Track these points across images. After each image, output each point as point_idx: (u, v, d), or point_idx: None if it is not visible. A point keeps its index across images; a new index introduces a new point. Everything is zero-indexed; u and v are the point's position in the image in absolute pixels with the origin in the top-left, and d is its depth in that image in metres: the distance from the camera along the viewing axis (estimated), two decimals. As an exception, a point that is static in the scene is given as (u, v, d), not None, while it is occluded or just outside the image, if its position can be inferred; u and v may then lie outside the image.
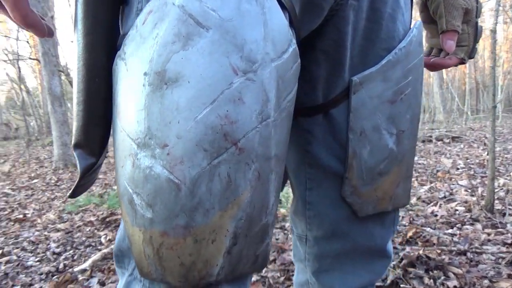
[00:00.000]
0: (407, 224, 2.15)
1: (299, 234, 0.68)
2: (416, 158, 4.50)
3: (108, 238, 2.48)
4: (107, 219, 2.81)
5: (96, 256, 2.09)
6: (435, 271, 1.57)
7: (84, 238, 2.51)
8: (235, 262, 0.37)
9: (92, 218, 2.85)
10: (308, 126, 0.60)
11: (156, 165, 0.35)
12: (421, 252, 1.66)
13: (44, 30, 0.42)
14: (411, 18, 0.61)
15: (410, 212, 2.45)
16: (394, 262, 1.67)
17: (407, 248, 1.76)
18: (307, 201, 0.65)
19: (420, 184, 3.19)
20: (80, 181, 0.41)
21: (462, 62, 0.71)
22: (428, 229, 2.06)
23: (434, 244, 1.86)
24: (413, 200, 2.72)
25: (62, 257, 2.21)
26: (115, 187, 3.88)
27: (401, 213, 2.39)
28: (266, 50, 0.37)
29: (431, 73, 10.31)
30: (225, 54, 0.35)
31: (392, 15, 0.55)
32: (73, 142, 0.41)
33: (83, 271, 1.96)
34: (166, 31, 0.35)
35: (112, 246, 2.27)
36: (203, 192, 0.35)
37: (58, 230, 2.65)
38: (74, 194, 0.42)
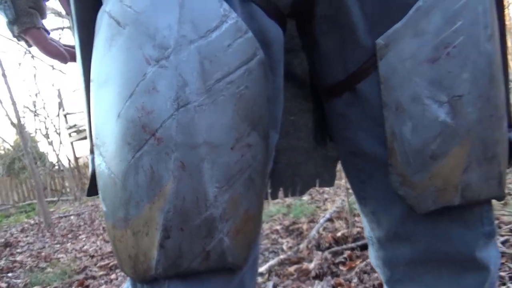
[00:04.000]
0: None
1: (366, 235, 0.58)
2: None
3: (289, 245, 2.62)
4: (290, 228, 2.97)
5: (273, 261, 2.24)
6: None
7: (269, 245, 2.72)
8: (174, 256, 0.36)
9: (278, 227, 3.06)
10: (340, 109, 0.51)
11: (102, 162, 0.38)
12: None
13: (63, 57, 0.52)
14: None
15: None
16: None
17: None
18: (361, 196, 0.54)
19: None
20: (92, 182, 0.48)
21: None
22: None
23: None
24: None
25: (248, 261, 2.46)
26: (304, 198, 4.08)
27: None
28: (182, 32, 0.35)
29: None
30: (139, 46, 0.36)
31: None
32: (89, 148, 0.49)
33: (260, 274, 2.13)
34: (99, 38, 0.39)
35: (291, 253, 2.39)
36: (132, 185, 0.36)
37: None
38: (88, 193, 0.49)
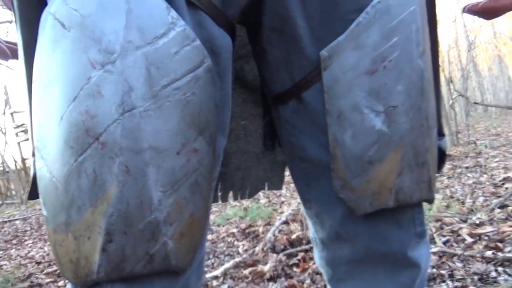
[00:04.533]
0: None
1: (311, 237, 0.60)
2: None
3: (245, 248, 2.64)
4: (247, 231, 2.99)
5: (228, 264, 2.24)
6: None
7: (225, 248, 2.72)
8: (117, 260, 0.36)
9: (235, 230, 3.07)
10: (286, 116, 0.53)
11: (43, 165, 0.38)
12: None
13: (4, 54, 0.50)
14: None
15: None
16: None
17: None
18: (307, 199, 0.57)
19: None
20: (33, 185, 0.47)
21: None
22: None
23: None
24: None
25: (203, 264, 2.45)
26: (261, 201, 4.11)
27: None
28: (129, 38, 0.36)
29: None
30: (84, 49, 0.36)
31: None
32: (31, 151, 0.47)
33: (215, 277, 2.13)
34: (43, 40, 0.38)
35: (246, 255, 2.41)
36: (74, 189, 0.36)
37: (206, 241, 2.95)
38: (30, 197, 0.48)
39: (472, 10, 0.54)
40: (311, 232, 0.61)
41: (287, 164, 0.60)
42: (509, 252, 1.61)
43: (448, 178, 3.65)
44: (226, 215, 3.58)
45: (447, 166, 4.26)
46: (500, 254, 1.58)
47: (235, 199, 0.67)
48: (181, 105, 0.38)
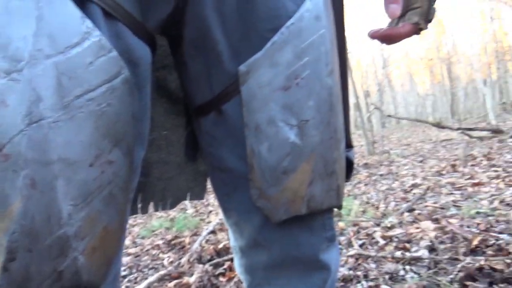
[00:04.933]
0: (477, 231, 1.86)
1: (231, 245, 0.62)
2: (508, 157, 3.94)
3: (170, 260, 2.57)
4: (173, 242, 2.92)
5: (152, 277, 2.17)
6: (501, 285, 1.31)
7: (149, 261, 2.63)
8: (20, 279, 0.34)
9: (160, 242, 2.98)
10: (207, 127, 0.55)
11: None
12: (483, 262, 1.41)
13: None
14: None
15: (489, 217, 2.12)
16: (451, 276, 1.45)
17: (468, 259, 1.51)
18: (227, 209, 0.58)
19: (507, 185, 2.76)
20: None
21: (419, 28, 0.60)
22: (504, 236, 1.75)
23: (509, 253, 1.57)
24: (495, 203, 2.36)
25: (126, 279, 2.34)
26: (188, 211, 4.05)
27: (477, 220, 2.09)
28: (38, 46, 0.34)
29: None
30: None
31: None
32: None
33: (139, 292, 2.05)
34: None
35: (172, 268, 2.35)
36: None
37: (128, 254, 2.83)
38: None
39: (374, 36, 0.61)
40: (231, 241, 0.62)
41: (208, 174, 0.61)
42: (415, 251, 1.77)
43: (365, 185, 3.92)
44: (152, 226, 3.47)
45: (364, 173, 4.59)
46: (407, 254, 1.74)
47: (156, 210, 0.66)
48: (95, 116, 0.37)
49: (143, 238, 3.25)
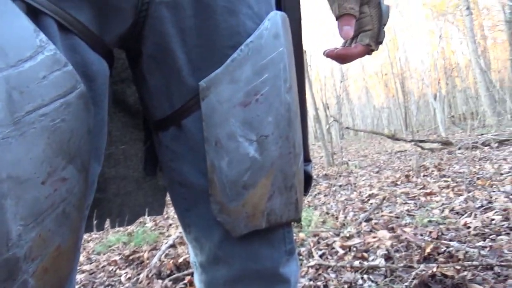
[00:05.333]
0: (429, 239, 1.95)
1: (191, 261, 0.61)
2: (457, 167, 4.17)
3: (128, 276, 2.49)
4: (131, 257, 2.83)
5: (108, 296, 2.08)
6: (452, 292, 1.38)
7: (105, 278, 2.53)
8: None
9: (117, 257, 2.88)
10: (166, 142, 0.54)
11: None
12: (435, 269, 1.48)
13: None
14: (275, 9, 0.55)
15: (440, 226, 2.23)
16: (406, 283, 1.51)
17: (421, 266, 1.57)
18: (186, 224, 0.58)
19: (456, 194, 2.92)
20: None
21: (371, 49, 0.63)
22: (454, 243, 1.84)
23: (459, 259, 1.65)
24: (445, 212, 2.49)
25: (80, 298, 2.23)
26: (148, 224, 3.94)
27: (429, 228, 2.19)
28: None
29: (477, 75, 9.71)
30: None
31: (229, 8, 0.49)
32: None
33: (93, 311, 1.96)
34: None
35: (129, 284, 2.27)
36: None
37: (83, 272, 2.70)
38: None
39: (329, 55, 0.64)
40: (191, 257, 0.62)
41: (167, 189, 0.60)
42: (372, 260, 1.83)
43: (325, 195, 4.01)
44: (108, 241, 3.34)
45: (324, 184, 4.68)
46: (365, 263, 1.78)
47: (113, 227, 0.64)
48: (47, 132, 0.36)
49: (98, 254, 3.12)
